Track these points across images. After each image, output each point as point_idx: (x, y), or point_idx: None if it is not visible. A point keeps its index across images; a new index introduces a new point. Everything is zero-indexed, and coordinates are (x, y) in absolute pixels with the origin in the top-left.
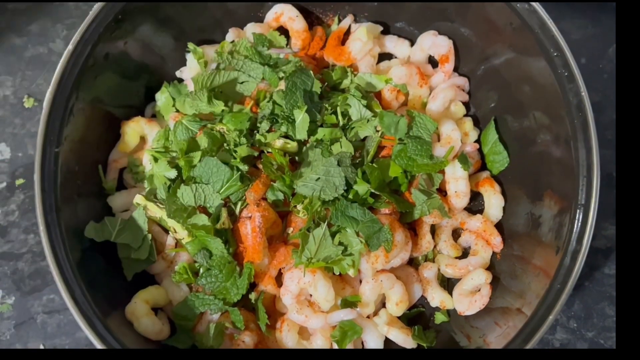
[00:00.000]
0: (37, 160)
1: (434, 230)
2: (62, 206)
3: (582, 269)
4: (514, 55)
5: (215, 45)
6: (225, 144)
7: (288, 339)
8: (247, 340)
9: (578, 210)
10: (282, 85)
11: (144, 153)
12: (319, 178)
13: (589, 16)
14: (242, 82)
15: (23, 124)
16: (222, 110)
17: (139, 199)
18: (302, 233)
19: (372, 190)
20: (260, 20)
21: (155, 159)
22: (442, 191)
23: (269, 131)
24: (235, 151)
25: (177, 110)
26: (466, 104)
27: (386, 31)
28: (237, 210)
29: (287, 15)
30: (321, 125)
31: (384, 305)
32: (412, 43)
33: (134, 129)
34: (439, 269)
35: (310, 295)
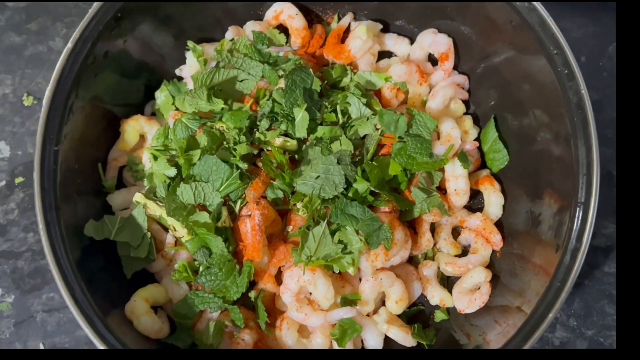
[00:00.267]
0: (36, 159)
1: (433, 228)
2: (62, 204)
3: (581, 267)
4: (514, 54)
5: (215, 43)
6: (224, 142)
7: (288, 337)
8: (246, 338)
9: (578, 209)
10: (281, 83)
11: (144, 151)
12: (318, 176)
13: (589, 14)
14: (241, 80)
15: (22, 122)
16: (222, 109)
17: (138, 197)
18: (302, 231)
19: (372, 189)
20: (260, 18)
21: (155, 157)
22: (441, 189)
23: (268, 129)
24: (235, 149)
25: (177, 109)
26: (466, 102)
27: (386, 29)
28: (237, 209)
29: (287, 13)
30: (321, 124)
31: (383, 303)
32: (412, 41)
33: (134, 127)
34: (438, 267)
35: (310, 293)
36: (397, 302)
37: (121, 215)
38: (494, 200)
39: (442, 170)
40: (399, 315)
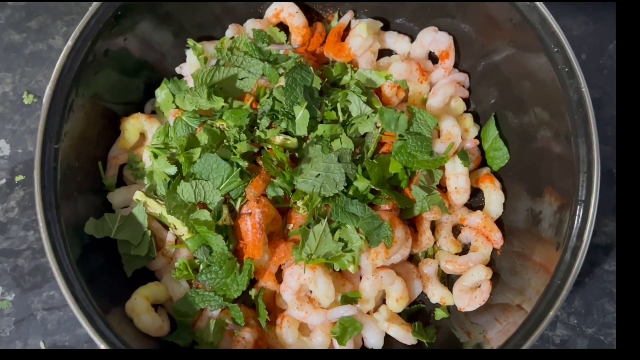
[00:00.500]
0: (36, 157)
1: (434, 226)
2: (62, 203)
3: (582, 266)
4: (515, 52)
5: (215, 41)
6: (225, 140)
7: (288, 335)
8: (247, 336)
9: (578, 207)
10: (282, 81)
11: (144, 149)
12: (319, 174)
13: (589, 12)
14: (242, 79)
15: (23, 120)
16: (222, 107)
17: (138, 195)
18: (302, 229)
19: (372, 187)
20: (260, 16)
21: (155, 156)
22: (442, 187)
23: (269, 127)
24: (235, 147)
25: (177, 107)
26: (466, 100)
27: (386, 27)
28: (237, 207)
29: (287, 12)
30: (321, 122)
31: (384, 301)
32: (412, 39)
33: (134, 126)
34: (439, 265)
35: (311, 291)
36: (397, 300)
37: (121, 213)
38: (494, 198)
39: (443, 168)
40: (399, 314)
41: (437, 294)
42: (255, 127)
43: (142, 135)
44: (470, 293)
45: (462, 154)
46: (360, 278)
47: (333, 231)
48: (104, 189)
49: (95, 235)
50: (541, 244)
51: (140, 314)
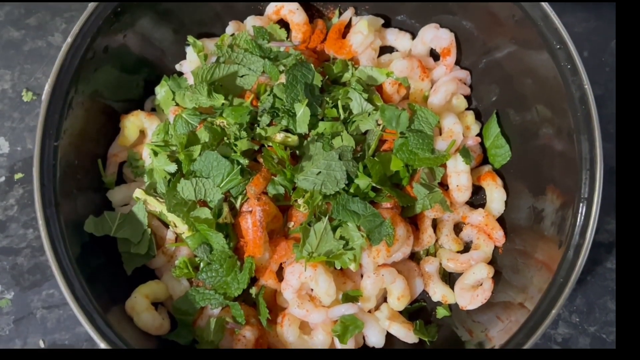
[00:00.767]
0: (36, 154)
1: (435, 224)
2: (62, 200)
3: (584, 263)
4: (516, 48)
5: (215, 38)
6: (225, 138)
7: (289, 333)
8: (248, 335)
9: (581, 204)
10: (282, 78)
11: (144, 147)
12: (320, 172)
13: (591, 9)
14: (242, 76)
15: (22, 118)
16: (222, 104)
17: (138, 193)
18: (303, 227)
19: (374, 184)
20: (261, 13)
21: (155, 153)
22: (443, 185)
23: (269, 125)
24: (236, 145)
25: (177, 104)
26: (468, 98)
27: (387, 24)
28: (238, 205)
29: (288, 8)
30: (322, 119)
31: (385, 299)
32: (414, 36)
33: (134, 123)
34: (440, 264)
35: (312, 289)
36: (398, 299)
37: (121, 211)
38: (496, 196)
39: (444, 166)
40: (400, 312)
41: (438, 292)
42: (255, 125)
43: (142, 133)
44: (472, 291)
45: (464, 151)
46: (362, 276)
47: (334, 229)
48: (103, 186)
49: (95, 233)
50: (543, 241)
51: (140, 313)
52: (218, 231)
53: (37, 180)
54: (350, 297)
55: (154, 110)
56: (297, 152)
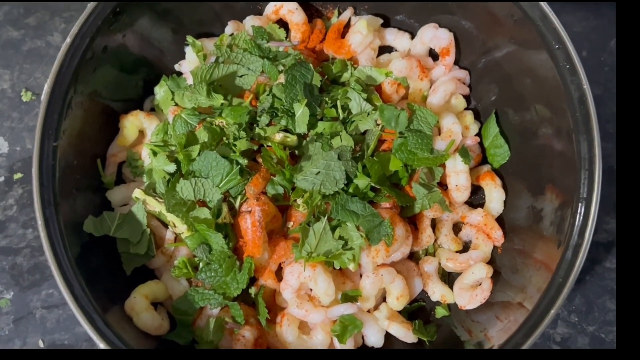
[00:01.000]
0: (35, 154)
1: (434, 224)
2: (61, 200)
3: (583, 263)
4: (515, 48)
5: (214, 38)
6: (224, 138)
7: (288, 333)
8: (247, 335)
9: (580, 204)
10: (281, 78)
11: (143, 147)
12: (319, 172)
13: (590, 9)
14: (241, 76)
15: (21, 117)
16: (222, 104)
17: (137, 193)
18: (302, 227)
19: (373, 184)
20: (260, 13)
21: (154, 153)
22: (442, 185)
23: (268, 125)
24: (235, 145)
25: (176, 104)
26: (467, 97)
27: (386, 24)
28: (237, 205)
29: (287, 8)
30: (321, 119)
31: (384, 299)
32: (413, 36)
33: (133, 123)
34: (439, 263)
35: (311, 289)
36: (398, 298)
37: (120, 211)
38: (495, 195)
39: (443, 165)
40: (399, 312)
41: (437, 291)
42: (254, 125)
43: (141, 133)
44: (471, 291)
45: (463, 151)
46: (361, 276)
47: (333, 229)
48: (102, 186)
49: (94, 233)
50: (542, 241)
51: (139, 313)
52: (217, 231)
53: (36, 180)
54: (349, 297)
55: (153, 110)
56: (296, 152)
